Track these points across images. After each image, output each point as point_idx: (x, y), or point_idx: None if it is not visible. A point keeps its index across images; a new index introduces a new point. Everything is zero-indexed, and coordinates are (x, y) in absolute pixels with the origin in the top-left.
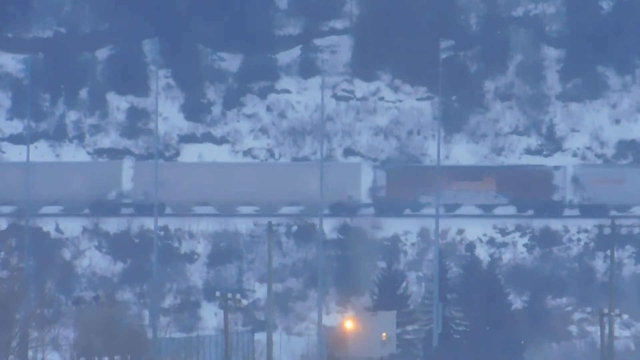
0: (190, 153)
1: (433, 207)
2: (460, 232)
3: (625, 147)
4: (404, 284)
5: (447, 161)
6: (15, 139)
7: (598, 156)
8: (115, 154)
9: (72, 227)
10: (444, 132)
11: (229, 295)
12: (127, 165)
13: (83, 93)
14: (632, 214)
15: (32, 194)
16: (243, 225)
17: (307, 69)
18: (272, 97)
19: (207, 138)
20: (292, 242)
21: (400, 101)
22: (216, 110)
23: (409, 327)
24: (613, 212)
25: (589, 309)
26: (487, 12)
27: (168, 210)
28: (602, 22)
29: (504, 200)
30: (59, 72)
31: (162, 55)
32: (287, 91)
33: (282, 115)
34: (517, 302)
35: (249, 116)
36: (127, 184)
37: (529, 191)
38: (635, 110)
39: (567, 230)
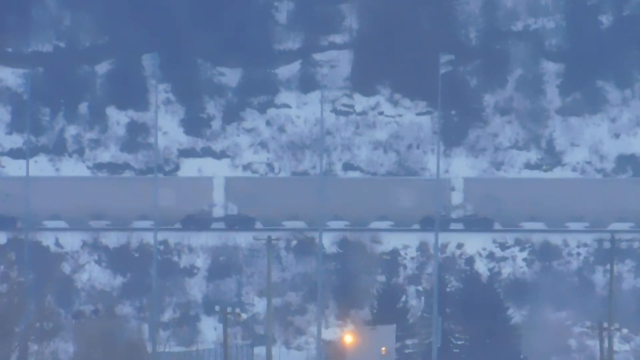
0: (190, 167)
1: None
2: (460, 246)
3: (625, 161)
4: (403, 298)
5: (446, 175)
6: (14, 154)
7: (598, 170)
8: (115, 168)
9: (71, 241)
10: (444, 146)
11: (229, 309)
12: None
13: (83, 107)
14: (633, 229)
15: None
16: (242, 240)
17: (306, 83)
18: (271, 111)
19: (207, 152)
20: (292, 256)
21: (400, 115)
22: (216, 124)
23: (409, 341)
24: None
25: (588, 323)
26: (486, 27)
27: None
28: (602, 36)
29: None
30: (58, 87)
31: (162, 70)
32: (287, 105)
33: (281, 129)
34: (517, 316)
35: (249, 130)
36: None
37: None
38: (635, 125)
39: (566, 245)
